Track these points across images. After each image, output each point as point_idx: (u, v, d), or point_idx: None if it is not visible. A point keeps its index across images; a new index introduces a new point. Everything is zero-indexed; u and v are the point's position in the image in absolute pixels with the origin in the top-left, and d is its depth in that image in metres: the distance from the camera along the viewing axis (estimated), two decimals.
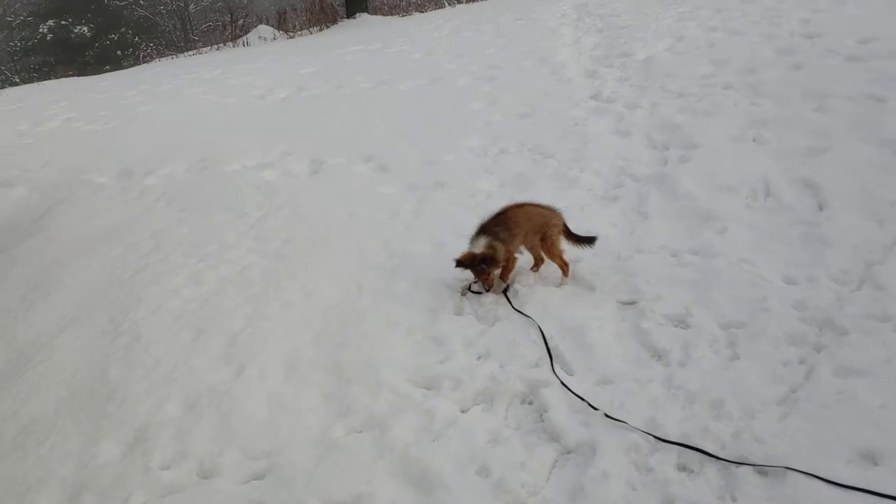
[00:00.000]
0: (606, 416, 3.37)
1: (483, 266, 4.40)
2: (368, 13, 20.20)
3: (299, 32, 20.74)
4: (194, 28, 35.34)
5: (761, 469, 2.95)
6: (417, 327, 4.32)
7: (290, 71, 12.55)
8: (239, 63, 15.00)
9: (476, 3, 19.07)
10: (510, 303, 4.45)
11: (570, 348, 3.95)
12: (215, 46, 21.59)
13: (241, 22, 24.16)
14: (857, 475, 2.83)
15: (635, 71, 8.50)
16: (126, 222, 6.45)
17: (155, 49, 26.04)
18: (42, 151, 8.91)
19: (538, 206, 4.74)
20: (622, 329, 4.07)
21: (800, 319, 3.83)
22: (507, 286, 4.64)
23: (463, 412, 3.62)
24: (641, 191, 5.65)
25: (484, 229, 4.51)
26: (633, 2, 12.34)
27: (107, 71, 21.69)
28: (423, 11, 20.31)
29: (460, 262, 4.44)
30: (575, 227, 4.72)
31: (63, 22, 31.64)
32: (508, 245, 4.52)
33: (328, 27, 19.96)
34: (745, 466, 2.97)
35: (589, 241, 4.66)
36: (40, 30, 31.66)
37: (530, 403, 3.63)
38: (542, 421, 3.48)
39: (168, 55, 23.68)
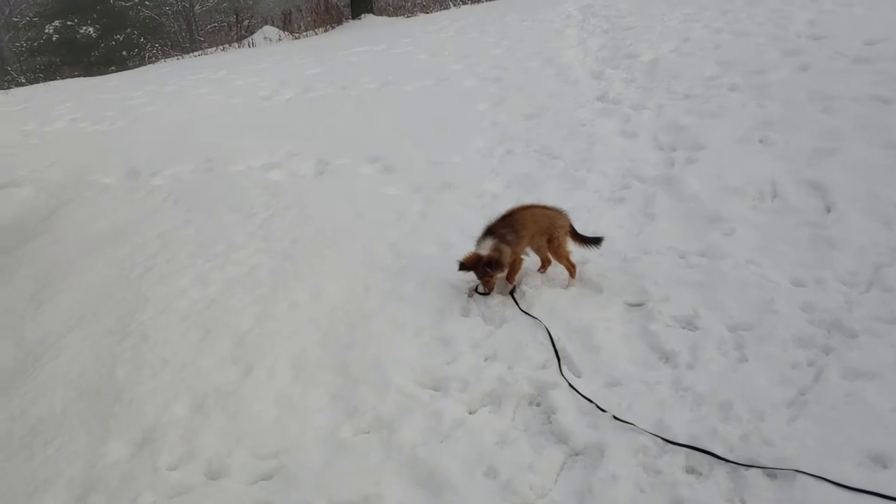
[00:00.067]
0: (614, 417, 3.37)
1: (487, 270, 4.40)
2: (373, 14, 20.22)
3: (304, 33, 20.76)
4: (200, 29, 35.40)
5: (770, 472, 2.95)
6: (425, 328, 4.31)
7: (296, 72, 12.57)
8: (244, 64, 15.03)
9: (481, 5, 19.08)
10: (517, 304, 4.45)
11: (577, 350, 3.94)
12: (220, 47, 21.64)
13: (246, 23, 24.21)
14: (867, 478, 2.82)
15: (641, 72, 8.49)
16: (133, 223, 6.46)
17: (160, 50, 26.08)
18: (48, 152, 8.95)
19: (545, 207, 4.74)
20: (630, 331, 4.06)
21: (808, 321, 3.81)
22: (514, 287, 4.64)
23: (470, 413, 3.62)
24: (648, 192, 5.64)
25: (490, 231, 4.51)
26: (638, 3, 12.33)
27: (112, 71, 21.78)
28: (428, 12, 20.34)
29: (463, 265, 4.43)
30: (582, 229, 4.71)
31: (69, 22, 31.72)
32: (515, 247, 4.51)
33: (333, 28, 19.98)
34: (753, 469, 2.97)
35: (595, 241, 4.65)
36: (46, 30, 31.75)
37: (538, 405, 3.63)
38: (550, 423, 3.47)
39: (173, 56, 23.74)
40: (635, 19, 11.18)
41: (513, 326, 4.24)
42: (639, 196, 5.63)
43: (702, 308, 4.08)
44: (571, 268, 4.61)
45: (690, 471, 3.06)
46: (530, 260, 4.81)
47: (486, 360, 3.98)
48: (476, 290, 4.64)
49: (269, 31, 21.47)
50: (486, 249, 4.42)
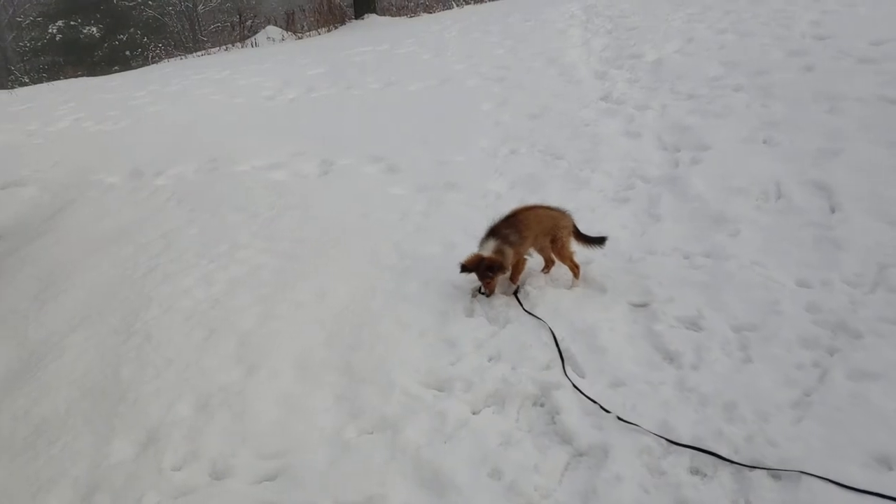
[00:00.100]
0: (619, 418, 3.36)
1: (488, 272, 4.39)
2: (376, 14, 20.25)
3: (307, 33, 20.80)
4: (203, 29, 35.42)
5: (775, 473, 2.94)
6: (429, 329, 4.31)
7: (299, 72, 12.58)
8: (247, 64, 15.05)
9: (484, 4, 19.10)
10: (521, 305, 4.45)
11: (581, 350, 3.94)
12: (224, 47, 21.68)
13: (249, 23, 24.26)
14: (872, 479, 2.81)
15: (645, 72, 8.49)
16: (136, 222, 6.47)
17: (164, 50, 26.11)
18: (52, 151, 8.96)
19: (548, 207, 4.73)
20: (634, 331, 4.05)
21: (813, 322, 3.81)
22: (518, 288, 4.63)
23: (475, 414, 3.61)
24: (652, 192, 5.64)
25: (493, 232, 4.50)
26: (642, 3, 12.33)
27: (116, 71, 21.80)
28: (431, 12, 20.35)
29: (465, 267, 4.43)
30: (585, 229, 4.71)
31: (72, 22, 31.82)
32: (518, 247, 4.51)
33: (336, 28, 20.01)
34: (758, 470, 2.96)
35: (599, 241, 4.64)
36: (49, 30, 31.85)
37: (542, 405, 3.62)
38: (554, 423, 3.47)
39: (177, 56, 23.77)
40: (639, 19, 11.18)
41: (516, 327, 4.24)
42: (643, 196, 5.62)
43: (706, 309, 4.07)
44: (575, 268, 4.60)
45: (695, 472, 3.06)
46: (534, 260, 4.80)
47: (489, 360, 3.98)
48: (480, 290, 4.63)
49: (273, 31, 21.51)
50: (488, 251, 4.41)
